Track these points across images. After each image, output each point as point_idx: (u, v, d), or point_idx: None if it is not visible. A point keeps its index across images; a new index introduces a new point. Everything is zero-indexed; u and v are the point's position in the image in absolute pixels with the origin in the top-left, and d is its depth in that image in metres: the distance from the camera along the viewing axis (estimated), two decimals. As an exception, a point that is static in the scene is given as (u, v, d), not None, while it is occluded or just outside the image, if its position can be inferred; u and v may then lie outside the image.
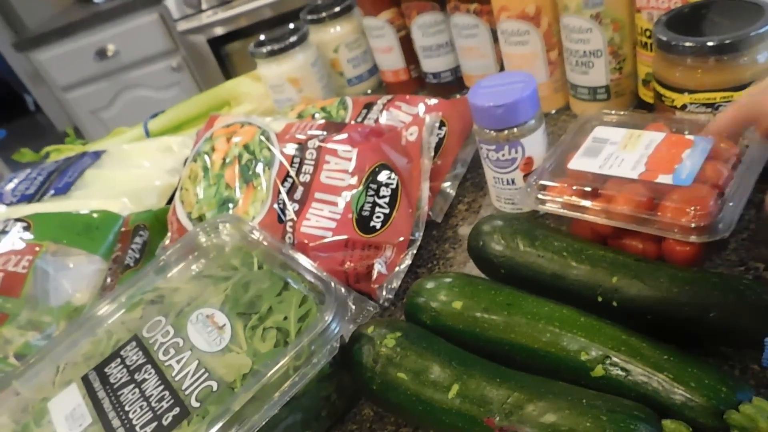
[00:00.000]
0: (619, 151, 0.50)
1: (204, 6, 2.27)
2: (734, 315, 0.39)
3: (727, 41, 0.48)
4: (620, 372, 0.37)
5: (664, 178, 0.46)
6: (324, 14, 0.84)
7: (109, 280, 0.61)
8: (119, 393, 0.43)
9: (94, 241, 0.60)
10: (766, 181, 0.45)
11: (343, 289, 0.42)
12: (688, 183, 0.44)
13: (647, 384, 0.36)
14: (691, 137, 0.48)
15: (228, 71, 2.39)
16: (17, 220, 0.60)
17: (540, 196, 0.50)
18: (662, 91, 0.53)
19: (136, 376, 0.44)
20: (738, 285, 0.40)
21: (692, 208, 0.42)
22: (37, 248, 0.57)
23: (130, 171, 0.79)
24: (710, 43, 0.48)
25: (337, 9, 0.84)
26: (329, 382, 0.44)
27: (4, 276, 0.56)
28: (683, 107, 0.52)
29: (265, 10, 2.28)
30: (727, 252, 0.48)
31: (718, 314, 0.39)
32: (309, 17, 0.85)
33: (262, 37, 0.83)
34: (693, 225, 0.42)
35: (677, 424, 0.34)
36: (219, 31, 2.33)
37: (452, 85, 0.82)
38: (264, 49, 0.80)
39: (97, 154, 0.82)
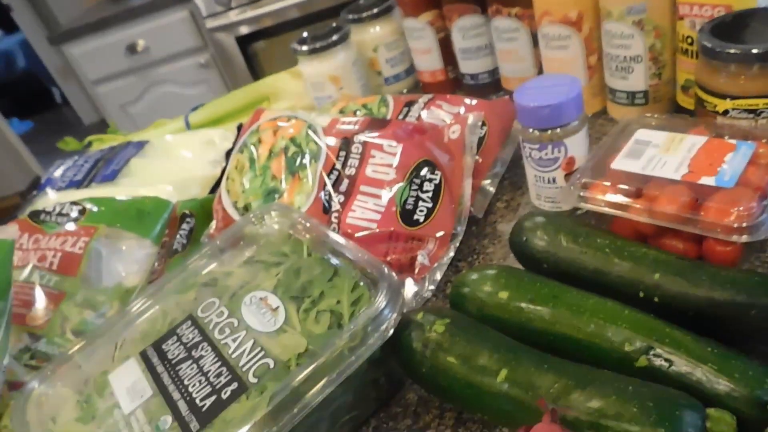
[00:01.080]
0: (661, 153, 0.51)
1: (233, 4, 2.30)
2: (775, 313, 0.40)
3: (772, 49, 0.49)
4: (664, 363, 0.39)
5: (707, 180, 0.47)
6: (365, 14, 0.86)
7: (156, 264, 0.63)
8: (177, 368, 0.46)
9: (145, 225, 0.62)
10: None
11: (395, 275, 0.44)
12: (731, 185, 0.46)
13: (691, 374, 0.38)
14: (733, 141, 0.50)
15: (255, 69, 2.42)
16: (73, 203, 0.63)
17: (582, 194, 0.51)
18: (704, 96, 0.55)
19: (193, 353, 0.46)
20: (779, 284, 0.41)
21: (736, 209, 0.44)
22: (93, 231, 0.60)
23: (173, 161, 0.82)
24: (755, 51, 0.50)
25: (376, 10, 0.86)
26: (378, 366, 0.46)
27: (63, 256, 0.59)
28: (725, 113, 0.53)
29: (292, 11, 2.31)
30: (766, 253, 0.49)
31: (758, 313, 0.40)
32: (350, 17, 0.87)
33: (304, 35, 0.86)
34: (736, 225, 0.43)
35: (721, 412, 0.35)
36: (245, 30, 2.36)
37: (489, 86, 0.83)
38: (306, 47, 0.82)
39: (141, 144, 0.85)
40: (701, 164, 0.49)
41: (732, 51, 0.51)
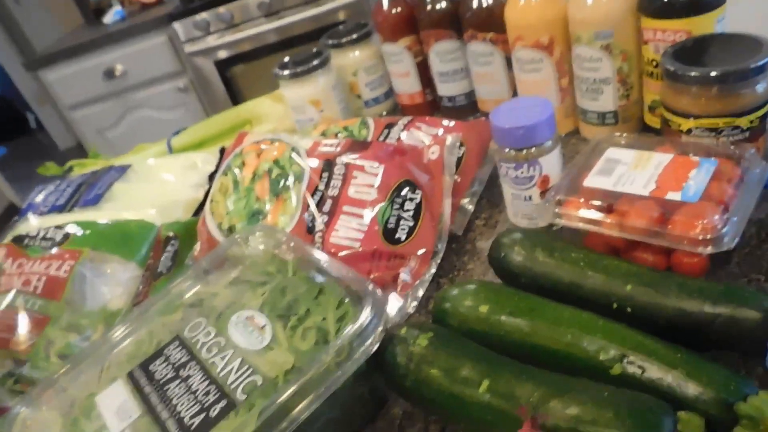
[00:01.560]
0: (631, 170, 0.54)
1: (212, 29, 2.33)
2: (738, 321, 0.42)
3: (729, 71, 0.52)
4: (637, 369, 0.41)
5: (674, 195, 0.49)
6: (344, 39, 0.88)
7: (141, 287, 0.64)
8: (165, 388, 0.46)
9: (130, 248, 0.63)
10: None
11: (379, 291, 0.45)
12: (695, 200, 0.48)
13: (662, 380, 0.40)
14: (696, 158, 0.52)
15: (233, 93, 2.44)
16: (57, 227, 0.63)
17: (557, 210, 0.53)
18: (669, 116, 0.58)
19: (180, 373, 0.47)
20: (742, 293, 0.43)
21: (700, 222, 0.46)
22: (78, 254, 0.60)
23: (156, 185, 0.82)
24: (714, 74, 0.53)
25: (356, 35, 0.89)
26: (364, 381, 0.47)
27: (47, 279, 0.59)
28: (689, 131, 0.56)
29: (270, 35, 2.34)
30: (730, 266, 0.52)
31: (723, 321, 0.43)
32: (330, 42, 0.89)
33: (286, 59, 0.88)
34: (701, 237, 0.46)
35: (691, 415, 0.37)
36: (223, 54, 2.38)
37: (466, 108, 0.86)
38: (287, 72, 0.84)
39: (123, 169, 0.86)
40: (668, 181, 0.51)
41: (693, 74, 0.54)
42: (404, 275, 0.57)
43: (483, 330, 0.47)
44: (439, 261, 0.59)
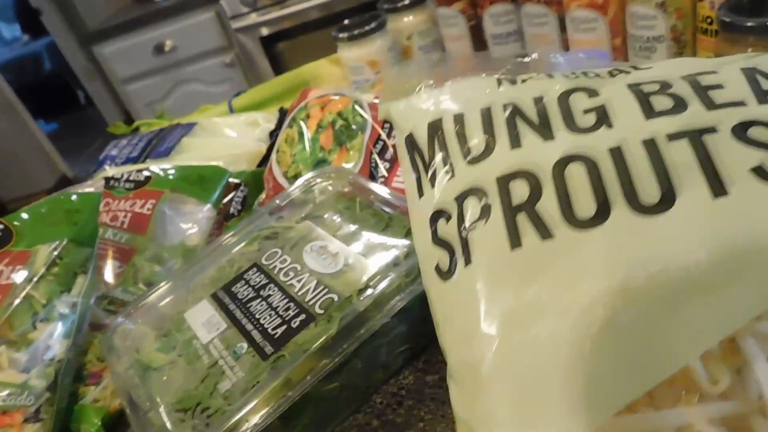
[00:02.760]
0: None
1: (258, 5, 2.38)
2: None
3: (786, 22, 0.54)
4: None
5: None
6: (399, 4, 0.92)
7: (214, 226, 0.69)
8: (248, 305, 0.51)
9: (206, 191, 0.68)
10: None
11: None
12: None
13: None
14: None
15: (278, 69, 2.50)
16: (139, 170, 0.69)
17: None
18: (724, 68, 0.59)
19: (261, 293, 0.51)
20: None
21: None
22: (160, 194, 0.66)
23: (221, 139, 0.88)
24: (771, 24, 0.54)
25: (410, 0, 0.92)
26: (427, 305, 0.51)
27: (132, 216, 0.64)
28: (744, 83, 0.58)
29: (313, 12, 2.38)
30: None
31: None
32: (386, 6, 0.93)
33: (345, 22, 0.91)
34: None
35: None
36: (266, 31, 2.43)
37: (517, 71, 0.88)
38: (346, 34, 0.88)
39: (190, 126, 0.91)
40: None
41: (749, 24, 0.55)
42: (463, 217, 0.61)
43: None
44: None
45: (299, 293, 0.50)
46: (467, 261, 0.34)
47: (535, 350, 0.29)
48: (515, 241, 0.32)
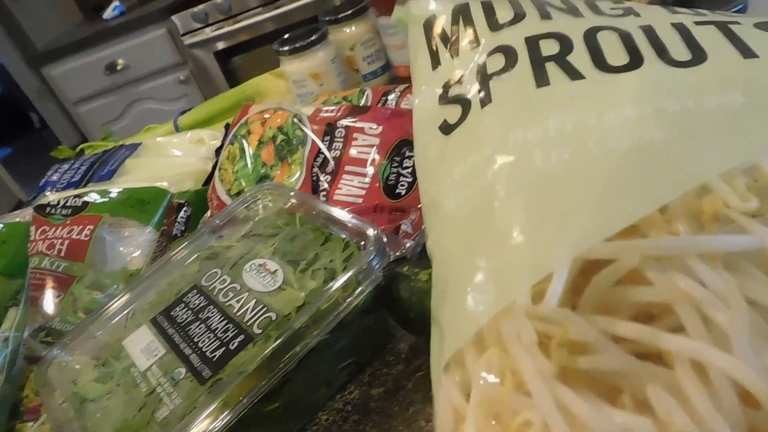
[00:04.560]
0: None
1: (210, 20, 2.36)
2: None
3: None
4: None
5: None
6: (340, 15, 0.92)
7: (158, 249, 0.68)
8: (187, 329, 0.50)
9: (146, 213, 0.67)
10: None
11: (379, 230, 0.49)
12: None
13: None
14: None
15: (234, 83, 2.48)
16: (76, 196, 0.67)
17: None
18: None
19: (200, 315, 0.51)
20: None
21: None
22: (97, 219, 0.64)
23: (166, 159, 0.86)
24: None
25: (351, 11, 0.92)
26: (371, 315, 0.51)
27: (70, 243, 0.63)
28: None
29: (267, 24, 2.37)
30: None
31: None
32: (326, 18, 0.93)
33: (285, 36, 0.91)
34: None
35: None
36: (221, 45, 2.42)
37: (460, 77, 0.89)
38: (287, 47, 0.88)
39: (134, 146, 0.89)
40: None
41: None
42: (405, 227, 0.61)
43: (479, 266, 0.50)
44: (437, 212, 0.63)
45: (238, 314, 0.49)
46: (484, 103, 0.34)
47: (557, 169, 0.29)
48: (542, 80, 0.32)
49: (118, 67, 2.42)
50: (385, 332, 0.53)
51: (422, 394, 0.48)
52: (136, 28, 2.38)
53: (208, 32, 2.38)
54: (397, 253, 0.56)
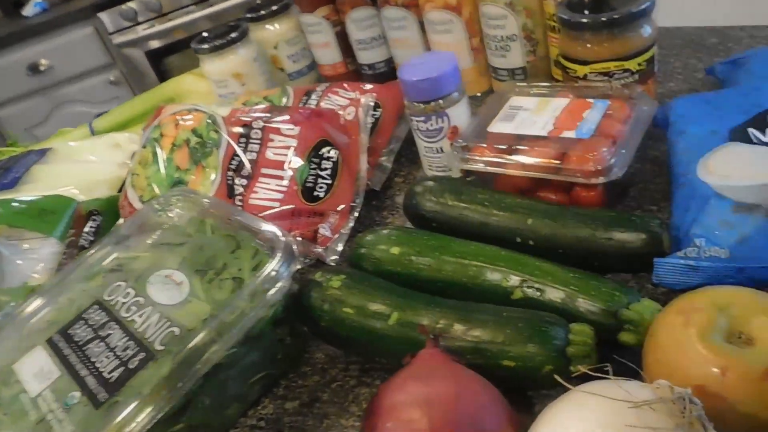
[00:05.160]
0: (532, 115, 0.57)
1: (140, 18, 2.27)
2: (627, 243, 0.45)
3: (616, 16, 0.55)
4: (536, 292, 0.43)
5: (569, 134, 0.53)
6: (263, 12, 0.89)
7: (65, 262, 0.63)
8: (85, 348, 0.46)
9: (49, 224, 0.62)
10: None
11: (288, 237, 0.47)
12: (587, 136, 0.52)
13: (557, 298, 0.42)
14: (591, 101, 0.56)
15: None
16: (-31, 207, 0.62)
17: (464, 157, 0.56)
18: (567, 64, 0.61)
19: (100, 333, 0.47)
20: (630, 218, 0.47)
21: (591, 154, 0.49)
22: (-8, 232, 0.59)
23: (78, 165, 0.81)
24: (603, 19, 0.56)
25: (275, 7, 0.89)
26: (283, 326, 0.48)
27: (-39, 259, 0.58)
28: (585, 77, 0.59)
29: (202, 22, 2.30)
30: (627, 199, 0.55)
31: (614, 244, 0.46)
32: (248, 15, 0.89)
33: (204, 34, 0.87)
34: (592, 169, 0.49)
35: (582, 325, 0.40)
36: (156, 44, 2.33)
37: (387, 75, 0.88)
38: (206, 45, 0.84)
39: (43, 152, 0.84)
40: (564, 122, 0.54)
41: (584, 20, 0.57)
42: (323, 230, 0.59)
43: (395, 270, 0.49)
44: (356, 215, 0.61)
45: (140, 329, 0.46)
46: None
47: None
48: None
49: (42, 68, 2.29)
50: (301, 342, 0.51)
51: (338, 406, 0.46)
52: (60, 26, 2.26)
53: (139, 31, 2.29)
54: (308, 261, 0.54)
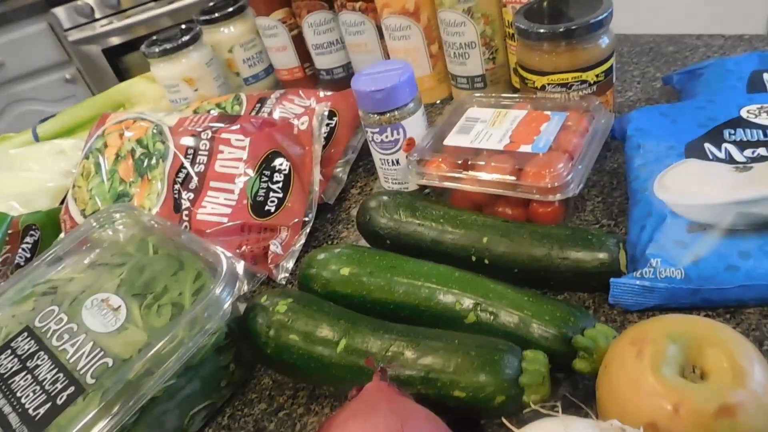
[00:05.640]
0: (488, 127, 0.55)
1: (98, 15, 2.20)
2: (583, 262, 0.44)
3: (574, 27, 0.54)
4: (489, 316, 0.42)
5: (525, 148, 0.51)
6: (217, 15, 0.85)
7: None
8: (10, 381, 0.43)
9: (-21, 241, 0.58)
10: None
11: (232, 259, 0.44)
12: (544, 151, 0.50)
13: (511, 323, 0.41)
14: (548, 113, 0.54)
15: (127, 82, 2.32)
16: None
17: (420, 171, 0.54)
18: (525, 74, 0.59)
19: (28, 364, 0.44)
20: (587, 236, 0.45)
21: (548, 171, 0.48)
22: None
23: (18, 174, 0.77)
24: (561, 29, 0.55)
25: (229, 9, 0.86)
26: (227, 352, 0.46)
27: None
28: (542, 88, 0.58)
29: (163, 19, 2.24)
30: (584, 213, 0.54)
31: (570, 263, 0.45)
32: (202, 18, 0.86)
33: (154, 37, 0.84)
34: (549, 186, 0.47)
35: (535, 352, 0.38)
36: (115, 41, 2.26)
37: (345, 80, 0.85)
38: (156, 49, 0.81)
39: (-19, 160, 0.79)
40: (521, 135, 0.53)
41: (541, 30, 0.55)
42: (274, 247, 0.56)
43: (346, 291, 0.47)
44: (308, 230, 0.59)
45: (71, 360, 0.43)
46: None
47: None
48: None
49: (-7, 66, 2.20)
50: (246, 368, 0.48)
51: (285, 437, 0.43)
52: (11, 21, 2.17)
53: (97, 27, 2.21)
54: (258, 278, 0.51)
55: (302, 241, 0.58)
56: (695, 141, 0.49)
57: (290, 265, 0.57)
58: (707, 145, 0.48)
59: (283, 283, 0.56)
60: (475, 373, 0.38)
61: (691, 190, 0.45)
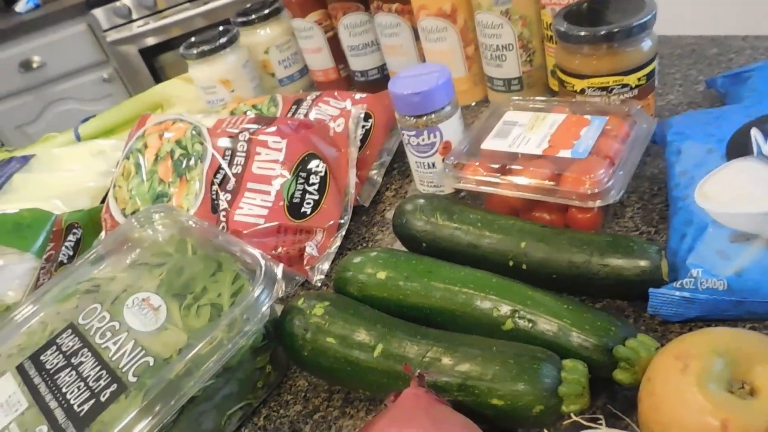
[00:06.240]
0: (526, 131, 0.54)
1: (134, 15, 2.24)
2: (623, 270, 0.43)
3: (615, 30, 0.53)
4: (527, 323, 0.41)
5: (564, 153, 0.50)
6: (253, 16, 0.86)
7: (42, 278, 0.61)
8: (56, 377, 0.44)
9: (25, 239, 0.60)
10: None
11: (270, 262, 0.45)
12: (584, 156, 0.49)
13: (549, 331, 0.40)
14: (588, 117, 0.54)
15: (162, 82, 2.36)
16: (-57, 221, 0.60)
17: (457, 175, 0.54)
18: (564, 77, 0.58)
19: (72, 360, 0.45)
20: (627, 244, 0.44)
21: (588, 177, 0.47)
22: (-34, 248, 0.57)
23: (61, 174, 0.79)
24: (602, 32, 0.54)
25: (266, 11, 0.87)
26: (263, 354, 0.46)
27: (-68, 276, 0.56)
28: (582, 91, 0.57)
29: (198, 20, 2.27)
30: (624, 219, 0.53)
31: (610, 270, 0.44)
32: (239, 20, 0.87)
33: (192, 39, 0.85)
34: (588, 192, 0.47)
35: (575, 362, 0.38)
36: (151, 41, 2.30)
37: (379, 82, 0.85)
38: (194, 51, 0.82)
39: (26, 159, 0.82)
40: (560, 139, 0.52)
41: (582, 33, 0.54)
42: (310, 249, 0.57)
43: (382, 296, 0.47)
44: (344, 233, 0.59)
45: (114, 358, 0.44)
46: None
47: None
48: None
49: (34, 65, 2.26)
50: (281, 369, 0.49)
51: (320, 439, 0.44)
52: (53, 22, 2.23)
53: (134, 28, 2.26)
54: (295, 282, 0.52)
55: (338, 243, 0.58)
56: (740, 130, 0.47)
57: (325, 267, 0.57)
58: (754, 132, 0.46)
59: (318, 285, 0.56)
60: (513, 381, 0.37)
61: (734, 199, 0.44)
